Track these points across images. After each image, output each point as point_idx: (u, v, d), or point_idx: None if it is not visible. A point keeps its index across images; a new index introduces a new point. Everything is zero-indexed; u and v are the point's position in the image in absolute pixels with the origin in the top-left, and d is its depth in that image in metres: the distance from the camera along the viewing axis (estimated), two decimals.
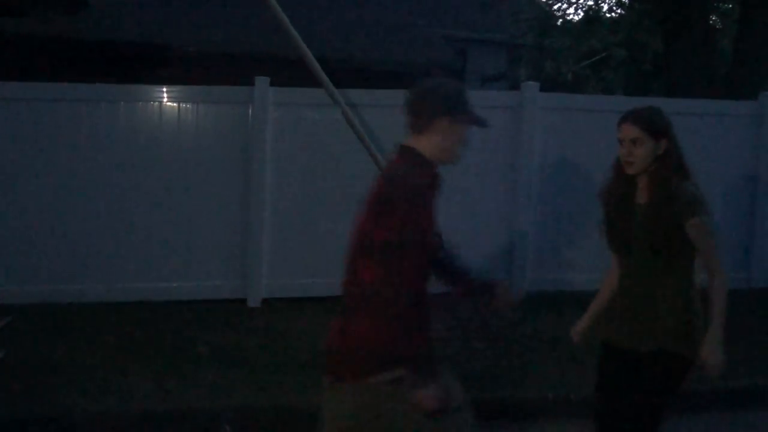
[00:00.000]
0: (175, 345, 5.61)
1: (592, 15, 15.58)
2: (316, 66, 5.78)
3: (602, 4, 15.09)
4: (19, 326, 5.74)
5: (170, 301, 6.58)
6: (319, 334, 5.83)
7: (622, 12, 15.40)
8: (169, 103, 6.74)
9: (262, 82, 6.76)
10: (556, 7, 16.69)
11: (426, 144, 2.70)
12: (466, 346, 5.73)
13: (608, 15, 16.01)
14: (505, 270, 7.16)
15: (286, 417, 4.62)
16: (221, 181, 6.80)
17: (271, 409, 4.66)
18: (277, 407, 4.67)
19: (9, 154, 6.48)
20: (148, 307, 6.46)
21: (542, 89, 7.39)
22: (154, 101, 6.73)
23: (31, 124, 6.53)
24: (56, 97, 6.58)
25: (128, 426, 4.52)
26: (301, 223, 6.88)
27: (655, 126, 3.25)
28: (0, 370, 4.58)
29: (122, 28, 11.38)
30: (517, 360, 5.52)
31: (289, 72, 6.84)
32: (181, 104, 6.76)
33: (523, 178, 7.15)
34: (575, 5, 16.41)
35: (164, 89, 6.76)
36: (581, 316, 3.59)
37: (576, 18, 16.50)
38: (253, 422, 4.60)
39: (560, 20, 16.56)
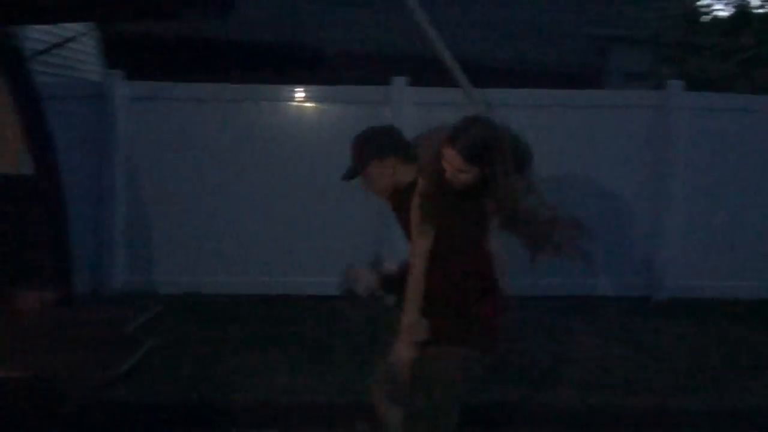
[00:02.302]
0: (316, 338, 5.68)
1: (741, 10, 14.78)
2: (455, 65, 5.75)
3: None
4: (167, 316, 5.89)
5: (312, 295, 6.58)
6: None
7: None
8: (307, 104, 6.90)
9: (399, 81, 6.80)
10: (703, 2, 15.93)
11: None
12: None
13: (757, 11, 15.15)
14: None
15: None
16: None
17: None
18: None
19: (157, 152, 6.82)
20: (291, 300, 6.58)
21: (688, 88, 7.10)
22: (292, 101, 6.93)
23: (168, 121, 6.86)
24: (203, 98, 6.85)
25: (271, 415, 4.56)
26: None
27: None
28: (151, 357, 4.74)
29: (262, 29, 11.71)
30: None
31: (425, 71, 6.84)
32: (319, 104, 6.91)
33: (669, 179, 6.94)
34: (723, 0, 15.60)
35: (302, 89, 6.92)
36: None
37: (724, 13, 15.70)
38: None
39: (707, 16, 15.80)
